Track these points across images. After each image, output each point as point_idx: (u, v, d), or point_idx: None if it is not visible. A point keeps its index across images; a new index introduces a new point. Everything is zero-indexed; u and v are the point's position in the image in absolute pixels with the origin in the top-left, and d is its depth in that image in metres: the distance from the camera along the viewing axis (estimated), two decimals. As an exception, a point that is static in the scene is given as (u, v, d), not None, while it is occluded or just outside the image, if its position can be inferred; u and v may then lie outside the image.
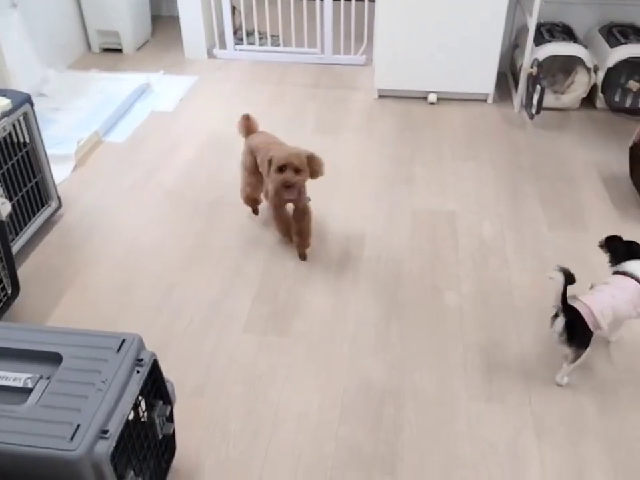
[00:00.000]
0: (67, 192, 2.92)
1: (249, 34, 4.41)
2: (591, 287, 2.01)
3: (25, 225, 2.55)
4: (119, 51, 4.44)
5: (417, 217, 2.79)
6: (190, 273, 2.49)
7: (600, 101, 3.64)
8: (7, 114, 2.37)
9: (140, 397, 1.48)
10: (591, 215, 2.79)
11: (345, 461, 1.79)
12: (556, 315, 1.94)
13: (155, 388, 1.56)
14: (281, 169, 2.31)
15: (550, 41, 3.56)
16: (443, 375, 2.05)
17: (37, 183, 2.61)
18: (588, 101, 3.67)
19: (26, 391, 1.42)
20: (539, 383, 2.02)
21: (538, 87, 3.31)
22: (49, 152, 2.67)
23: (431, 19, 3.50)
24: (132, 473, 1.43)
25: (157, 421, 1.55)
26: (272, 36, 4.36)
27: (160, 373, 1.57)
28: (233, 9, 4.28)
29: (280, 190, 2.35)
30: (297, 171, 2.31)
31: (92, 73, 4.09)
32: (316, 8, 4.11)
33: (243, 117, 2.65)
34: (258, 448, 1.83)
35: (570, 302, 1.90)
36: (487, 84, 3.69)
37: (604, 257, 2.09)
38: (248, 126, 2.65)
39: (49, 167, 2.67)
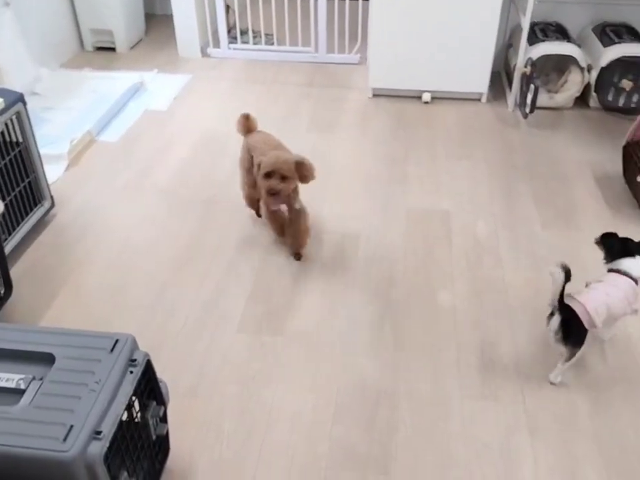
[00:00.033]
0: (60, 191, 2.91)
1: (243, 33, 4.40)
2: (587, 285, 2.02)
3: (18, 224, 2.54)
4: (112, 49, 4.43)
5: (411, 216, 2.79)
6: (184, 273, 2.48)
7: (593, 100, 3.65)
8: (0, 113, 2.36)
9: (133, 398, 1.48)
10: (584, 213, 2.79)
11: (339, 461, 1.79)
12: (551, 314, 1.95)
13: (149, 388, 1.55)
14: (268, 175, 2.28)
15: (543, 41, 3.57)
16: (436, 374, 2.06)
17: (29, 182, 2.60)
18: (581, 100, 3.68)
19: (19, 392, 1.41)
20: (533, 382, 2.02)
21: (532, 86, 3.31)
22: (41, 151, 2.66)
23: (425, 18, 3.51)
24: (125, 473, 1.43)
25: (151, 422, 1.55)
26: (266, 35, 4.35)
27: (153, 374, 1.56)
28: (227, 7, 4.27)
29: (266, 197, 2.33)
30: (284, 178, 2.28)
31: (85, 72, 4.07)
32: (310, 7, 4.11)
33: (243, 115, 2.64)
34: (252, 448, 1.83)
35: (565, 300, 1.90)
36: (481, 83, 3.70)
37: (597, 256, 2.10)
38: (247, 125, 2.63)
39: (42, 166, 2.66)
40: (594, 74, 3.53)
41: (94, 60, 4.30)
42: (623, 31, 3.64)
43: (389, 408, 1.95)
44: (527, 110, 3.39)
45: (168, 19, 4.45)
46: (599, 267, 2.08)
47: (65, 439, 1.29)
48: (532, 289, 2.38)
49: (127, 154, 3.27)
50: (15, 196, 2.50)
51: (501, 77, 4.03)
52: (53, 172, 3.00)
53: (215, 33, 4.33)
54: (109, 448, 1.34)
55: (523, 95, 3.45)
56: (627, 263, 2.00)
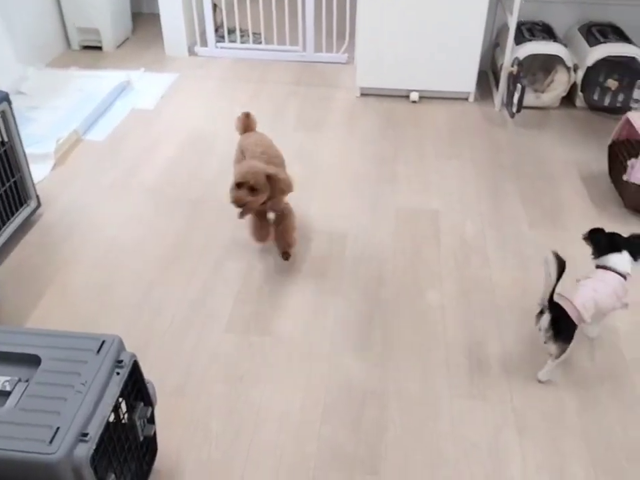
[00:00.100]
0: (46, 191, 2.88)
1: (231, 31, 4.39)
2: (577, 282, 2.03)
3: (4, 224, 2.52)
4: (99, 48, 4.40)
5: (399, 215, 2.79)
6: (171, 272, 2.47)
7: (579, 100, 3.67)
8: (-16, 112, 2.34)
9: (120, 399, 1.47)
10: (570, 213, 2.81)
11: (328, 461, 1.79)
12: (540, 313, 1.96)
13: (136, 389, 1.54)
14: (238, 185, 2.22)
15: (530, 40, 3.58)
16: (425, 373, 2.06)
17: (15, 182, 2.57)
18: (568, 99, 3.70)
19: (4, 394, 1.40)
20: (521, 381, 2.03)
21: (518, 85, 3.33)
22: (27, 151, 2.63)
23: (412, 18, 3.51)
24: (113, 475, 1.42)
25: (138, 423, 1.54)
26: (254, 33, 4.34)
27: (140, 375, 1.55)
28: (214, 6, 4.26)
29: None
30: (253, 190, 2.20)
31: (71, 71, 4.04)
32: (298, 6, 4.10)
33: (243, 113, 2.62)
34: (240, 448, 1.82)
35: (554, 299, 1.92)
36: (468, 83, 3.71)
37: (585, 254, 2.10)
38: (246, 124, 2.62)
39: (28, 166, 2.63)
40: (580, 73, 3.55)
41: (80, 59, 4.26)
42: (609, 30, 3.67)
43: (377, 408, 1.95)
44: (514, 109, 3.41)
45: (155, 17, 4.43)
46: (586, 265, 2.09)
47: (51, 442, 1.28)
48: (519, 289, 2.39)
49: (114, 153, 3.25)
50: (0, 196, 2.48)
51: (488, 76, 4.04)
52: (39, 171, 2.98)
53: (203, 31, 4.32)
54: (96, 450, 1.33)
55: (510, 95, 3.46)
56: (613, 259, 2.02)
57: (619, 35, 3.62)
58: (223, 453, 1.81)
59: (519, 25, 3.65)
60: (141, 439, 1.58)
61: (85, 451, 1.29)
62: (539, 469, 1.78)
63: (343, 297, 2.36)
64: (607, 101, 3.53)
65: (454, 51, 3.58)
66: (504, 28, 3.76)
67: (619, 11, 3.79)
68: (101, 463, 1.37)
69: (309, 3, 4.03)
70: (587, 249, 2.10)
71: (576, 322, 1.91)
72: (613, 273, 2.00)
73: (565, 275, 1.89)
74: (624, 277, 2.00)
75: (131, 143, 3.35)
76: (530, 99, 3.58)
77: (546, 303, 1.91)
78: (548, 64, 3.67)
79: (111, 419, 1.43)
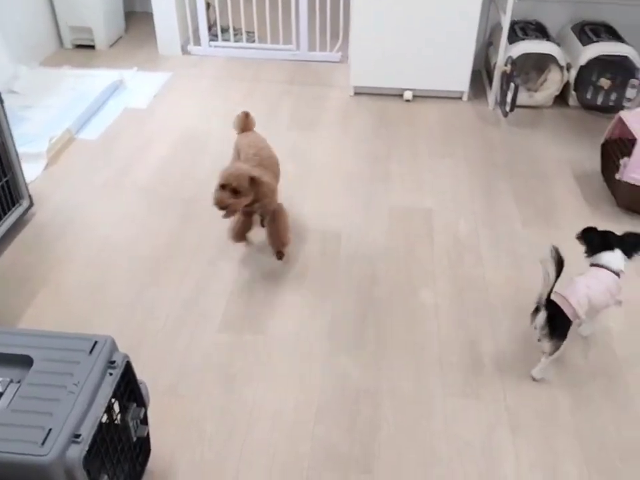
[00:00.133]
0: (39, 190, 2.87)
1: (224, 30, 4.38)
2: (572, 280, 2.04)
3: (-5, 224, 2.51)
4: (92, 47, 4.38)
5: (393, 214, 2.79)
6: (164, 271, 2.46)
7: (572, 99, 3.68)
8: (-24, 111, 2.33)
9: (113, 400, 1.47)
10: (563, 211, 2.82)
11: (321, 461, 1.79)
12: (535, 310, 1.97)
13: (129, 390, 1.54)
14: (223, 187, 2.20)
15: (523, 39, 3.59)
16: (418, 372, 2.06)
17: (7, 181, 2.56)
18: (561, 98, 3.71)
19: (-4, 395, 1.39)
20: (514, 379, 2.04)
21: (512, 84, 3.33)
22: (20, 150, 2.62)
23: (406, 17, 3.51)
24: (105, 477, 1.41)
25: (131, 424, 1.54)
26: (247, 32, 4.33)
27: (133, 375, 1.55)
28: (208, 5, 4.25)
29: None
30: (236, 192, 2.18)
31: (64, 70, 4.03)
32: (291, 4, 4.09)
33: (243, 113, 2.62)
34: (233, 448, 1.82)
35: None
36: (461, 82, 3.71)
37: (578, 253, 2.11)
38: (245, 123, 2.61)
39: (20, 165, 2.62)
40: (573, 72, 3.55)
41: (73, 58, 4.25)
42: (602, 29, 3.68)
43: (371, 406, 1.95)
44: (507, 108, 3.41)
45: (148, 16, 4.42)
46: (580, 264, 2.09)
47: (43, 443, 1.28)
48: (512, 287, 2.39)
49: (107, 152, 3.24)
50: (-8, 195, 2.47)
51: (481, 75, 4.05)
52: (31, 171, 2.97)
53: (196, 30, 4.31)
54: (89, 451, 1.32)
55: (503, 94, 3.47)
56: (606, 257, 2.03)
57: (612, 34, 3.63)
58: (217, 453, 1.80)
59: (512, 24, 3.65)
60: (134, 439, 1.58)
61: (77, 452, 1.29)
62: (532, 467, 1.78)
63: (336, 296, 2.36)
64: (599, 100, 3.54)
65: (448, 50, 3.59)
66: (497, 27, 3.77)
67: (611, 10, 3.80)
68: (94, 464, 1.37)
69: (303, 2, 4.03)
70: (581, 248, 2.10)
71: (571, 319, 1.92)
72: (606, 270, 2.01)
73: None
74: (617, 274, 2.01)
75: (124, 142, 3.33)
76: (523, 97, 3.58)
77: (543, 301, 1.92)
78: (541, 63, 3.68)
79: (104, 419, 1.42)
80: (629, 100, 3.48)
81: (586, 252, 2.09)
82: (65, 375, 1.41)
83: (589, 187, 2.99)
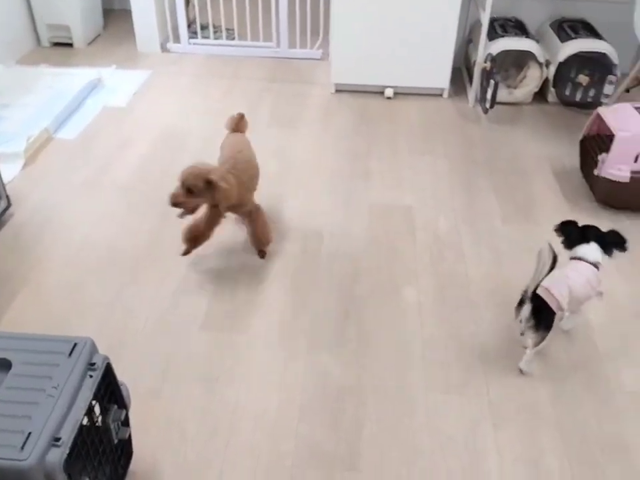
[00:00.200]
0: (17, 190, 2.83)
1: (204, 27, 4.35)
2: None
3: (-28, 225, 2.47)
4: (70, 45, 4.33)
5: (373, 211, 2.80)
6: (144, 270, 2.45)
7: (551, 95, 3.71)
8: (-50, 111, 2.29)
9: (93, 402, 1.45)
10: (543, 207, 2.84)
11: (305, 459, 1.79)
12: (520, 304, 2.00)
13: (109, 392, 1.52)
14: (181, 185, 2.19)
15: (503, 36, 3.61)
16: (401, 369, 2.07)
17: (-17, 182, 2.53)
18: (540, 95, 3.74)
19: (-26, 400, 1.37)
20: (496, 374, 2.05)
21: (491, 81, 3.35)
22: (-4, 150, 2.59)
23: (386, 14, 3.51)
24: (87, 479, 1.40)
25: (112, 426, 1.52)
26: (227, 29, 4.31)
27: (114, 377, 1.53)
28: (187, 2, 4.22)
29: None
30: (190, 192, 2.17)
31: (41, 68, 3.98)
32: (271, 1, 4.08)
33: (238, 114, 2.60)
34: (216, 449, 1.81)
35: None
36: (442, 79, 3.73)
37: (557, 248, 2.12)
38: (237, 124, 2.59)
39: (-4, 165, 2.59)
40: (552, 69, 3.58)
41: (50, 56, 4.20)
42: (579, 26, 3.71)
43: (354, 404, 1.95)
44: (487, 105, 3.43)
45: (126, 13, 4.37)
46: (560, 258, 2.11)
47: (22, 447, 1.26)
48: (493, 283, 2.41)
49: (85, 151, 3.21)
50: (-32, 196, 2.43)
51: (462, 72, 4.07)
52: (8, 171, 2.93)
53: (175, 27, 4.27)
54: (69, 454, 1.31)
55: (483, 91, 3.49)
56: (582, 250, 2.07)
57: (590, 30, 3.67)
58: (200, 454, 1.80)
59: (492, 21, 3.67)
60: (116, 441, 1.56)
61: (57, 456, 1.27)
62: (514, 461, 1.80)
63: (318, 294, 2.35)
64: (578, 96, 3.57)
65: (428, 47, 3.60)
66: (477, 24, 3.78)
67: (589, 6, 3.83)
68: (75, 467, 1.35)
69: (282, -1, 4.02)
70: (559, 240, 2.12)
71: (554, 309, 1.95)
72: (584, 262, 2.04)
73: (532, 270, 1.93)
74: (596, 266, 2.04)
75: (103, 141, 3.30)
76: (503, 94, 3.61)
77: (529, 294, 1.95)
78: (520, 60, 3.70)
79: (84, 422, 1.41)
80: (607, 96, 3.52)
81: (563, 244, 2.12)
82: (44, 378, 1.39)
83: (567, 182, 3.02)
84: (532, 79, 3.63)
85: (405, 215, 2.78)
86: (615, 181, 2.72)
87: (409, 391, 2.00)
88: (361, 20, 3.54)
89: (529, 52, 3.57)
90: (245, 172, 2.37)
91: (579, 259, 2.06)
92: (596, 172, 2.78)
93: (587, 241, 2.08)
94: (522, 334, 2.06)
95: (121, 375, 1.59)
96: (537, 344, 2.00)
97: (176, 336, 2.17)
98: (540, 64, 3.58)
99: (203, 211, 2.40)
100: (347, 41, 3.63)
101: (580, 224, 2.14)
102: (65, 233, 2.64)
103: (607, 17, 3.77)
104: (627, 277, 2.44)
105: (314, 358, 2.10)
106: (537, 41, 3.63)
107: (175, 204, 2.20)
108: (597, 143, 2.88)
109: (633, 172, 2.69)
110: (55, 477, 1.27)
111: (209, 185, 2.17)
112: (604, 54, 3.46)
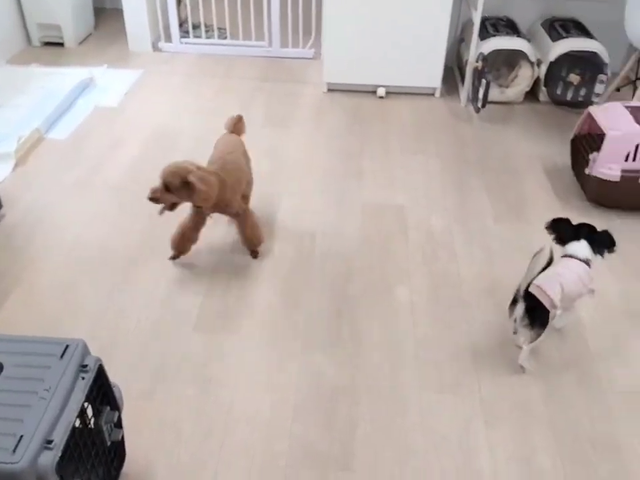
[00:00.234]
0: (8, 192, 2.82)
1: (195, 27, 4.34)
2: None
3: (-37, 226, 2.46)
4: (61, 44, 4.31)
5: (366, 210, 2.80)
6: (137, 271, 2.44)
7: (543, 94, 3.72)
8: (-60, 111, 2.27)
9: (86, 404, 1.45)
10: (534, 206, 2.85)
11: (300, 459, 1.79)
12: (513, 303, 2.01)
13: (102, 394, 1.52)
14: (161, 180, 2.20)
15: (494, 35, 3.62)
16: (394, 368, 2.07)
17: (-26, 182, 2.51)
18: (531, 94, 3.75)
19: (-35, 403, 1.36)
20: (488, 374, 2.06)
21: (483, 81, 3.36)
22: (-14, 150, 2.58)
23: (378, 13, 3.51)
24: (79, 482, 1.40)
25: (105, 428, 1.52)
26: (219, 29, 4.30)
27: (106, 379, 1.53)
28: (179, 1, 4.21)
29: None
30: (167, 189, 2.18)
31: (32, 68, 3.96)
32: (263, 0, 4.07)
33: (237, 115, 2.59)
34: (210, 450, 1.81)
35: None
36: (434, 78, 3.73)
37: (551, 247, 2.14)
38: (235, 126, 2.57)
39: (-13, 166, 2.58)
40: (543, 68, 3.60)
41: (41, 55, 4.18)
42: (571, 25, 3.73)
43: (347, 404, 1.95)
44: (479, 104, 3.44)
45: (118, 12, 4.36)
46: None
47: (14, 450, 1.25)
48: (486, 282, 2.42)
49: (77, 151, 3.20)
50: (-41, 197, 2.42)
51: (454, 72, 4.07)
52: (-1, 172, 2.92)
53: (167, 27, 4.26)
54: (62, 457, 1.30)
55: (475, 90, 3.49)
56: (573, 247, 2.09)
57: (581, 30, 3.68)
58: (194, 455, 1.79)
59: (483, 20, 3.68)
60: (108, 443, 1.56)
61: (49, 458, 1.27)
62: (507, 460, 1.80)
63: (311, 294, 2.35)
64: (569, 96, 3.59)
65: (420, 47, 3.60)
66: (469, 23, 3.79)
67: (580, 6, 3.85)
68: (67, 469, 1.35)
69: (274, -2, 4.01)
70: (551, 241, 2.13)
71: (548, 307, 1.96)
72: (575, 260, 2.06)
73: (524, 268, 1.94)
74: (587, 264, 2.05)
75: (95, 140, 3.29)
76: (494, 94, 3.62)
77: (522, 293, 1.97)
78: (512, 59, 3.71)
79: (77, 424, 1.41)
80: (598, 95, 3.54)
81: (555, 241, 2.14)
82: (35, 380, 1.38)
83: (559, 181, 3.03)
84: (523, 78, 3.64)
85: (397, 214, 2.78)
86: (605, 180, 2.73)
87: (402, 391, 2.00)
88: (353, 19, 3.55)
89: (521, 51, 3.58)
90: (230, 174, 2.35)
91: (570, 256, 2.07)
92: (587, 171, 2.79)
93: (578, 238, 2.10)
94: (515, 332, 2.07)
95: (113, 377, 1.59)
96: (532, 341, 2.02)
97: (168, 337, 2.17)
98: (531, 63, 3.59)
99: (188, 212, 2.41)
100: (339, 40, 3.63)
101: (574, 222, 2.15)
102: (57, 233, 2.63)
103: (597, 16, 3.79)
104: (618, 275, 2.45)
105: (307, 358, 2.10)
106: (529, 40, 3.64)
107: (152, 199, 2.20)
108: (588, 142, 2.89)
109: (623, 171, 2.70)
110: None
111: (186, 184, 2.17)
112: (595, 53, 3.48)
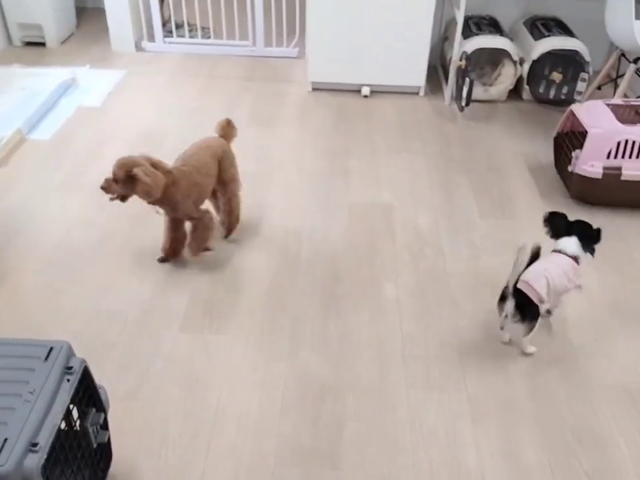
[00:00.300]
0: (-11, 193, 2.80)
1: (179, 26, 4.32)
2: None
3: (-56, 229, 2.43)
4: (42, 44, 4.27)
5: (353, 210, 2.80)
6: (122, 272, 2.42)
7: (526, 93, 3.75)
8: None
9: (71, 406, 1.44)
10: (518, 203, 2.87)
11: (288, 458, 1.79)
12: (502, 299, 2.03)
13: (87, 395, 1.51)
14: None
15: (477, 34, 3.64)
16: (382, 365, 2.08)
17: (-45, 184, 2.48)
18: (515, 92, 3.77)
19: (-52, 407, 1.35)
20: (474, 370, 2.07)
21: (467, 79, 3.38)
22: (-33, 152, 2.55)
23: (362, 12, 3.52)
24: (65, 484, 1.39)
25: (91, 430, 1.51)
26: (202, 28, 4.28)
27: (91, 380, 1.52)
28: (161, 0, 4.18)
29: None
30: (116, 180, 2.21)
31: (14, 68, 3.92)
32: None
33: (225, 119, 2.54)
34: (198, 451, 1.80)
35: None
36: (418, 77, 3.74)
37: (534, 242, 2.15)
38: (222, 129, 2.53)
39: (-32, 167, 2.55)
40: (526, 67, 3.62)
41: (23, 55, 4.13)
42: (552, 24, 3.76)
43: (335, 402, 1.95)
44: (463, 103, 3.46)
45: (100, 12, 4.33)
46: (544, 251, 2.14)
47: (-1, 453, 1.24)
48: (472, 279, 2.43)
49: (60, 152, 3.17)
50: (-60, 199, 2.39)
51: (437, 70, 4.09)
52: (-20, 173, 2.89)
53: (150, 26, 4.24)
54: (47, 459, 1.29)
55: (459, 89, 3.51)
56: (563, 243, 2.12)
57: (563, 28, 3.71)
58: (181, 457, 1.78)
59: (467, 19, 3.70)
60: (95, 445, 1.55)
61: (35, 461, 1.26)
62: (493, 456, 1.81)
63: (298, 294, 2.35)
64: (552, 94, 3.62)
65: (404, 46, 3.61)
66: (452, 22, 3.81)
67: (562, 5, 3.88)
68: (53, 472, 1.34)
69: (258, -3, 4.00)
70: (536, 237, 2.15)
71: (536, 301, 1.99)
72: (563, 255, 2.09)
73: (510, 263, 1.98)
74: (575, 259, 2.07)
75: (78, 141, 3.26)
76: (478, 92, 3.64)
77: (510, 289, 1.99)
78: (495, 58, 3.73)
79: (62, 426, 1.39)
80: (580, 93, 3.57)
81: (548, 235, 2.17)
82: (19, 383, 1.37)
83: (542, 178, 3.05)
84: (506, 76, 3.66)
85: (384, 212, 2.79)
86: (588, 177, 2.76)
87: (390, 388, 2.00)
88: (336, 18, 3.55)
89: (504, 50, 3.60)
90: (186, 175, 2.31)
91: (559, 251, 2.11)
92: (570, 168, 2.81)
93: (570, 234, 2.13)
94: (502, 328, 2.09)
95: (99, 378, 1.58)
96: (527, 333, 2.06)
97: (155, 338, 2.15)
98: (514, 62, 3.61)
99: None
100: (323, 40, 3.63)
101: (568, 217, 2.19)
102: (41, 234, 2.60)
103: (579, 15, 3.83)
104: (601, 271, 2.48)
105: (295, 357, 2.10)
106: (511, 39, 3.66)
107: (102, 188, 2.24)
108: (570, 139, 2.92)
109: (605, 168, 2.72)
110: (33, 483, 1.25)
111: (131, 177, 2.20)
112: (576, 51, 3.51)
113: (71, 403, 1.42)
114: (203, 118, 3.45)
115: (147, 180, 2.18)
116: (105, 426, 1.60)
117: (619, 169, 2.72)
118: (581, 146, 2.76)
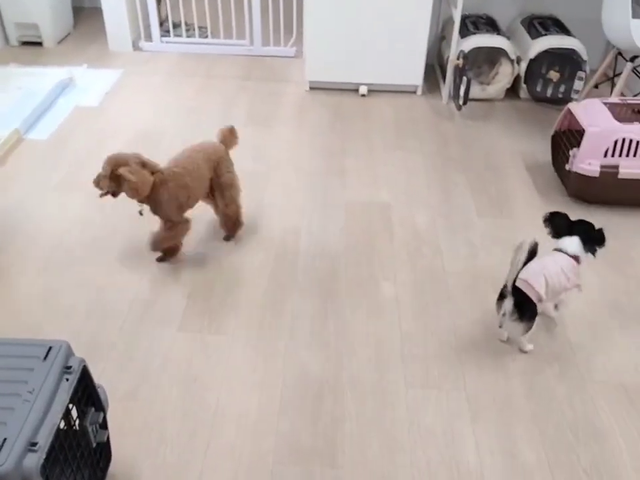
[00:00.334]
0: (-13, 193, 2.79)
1: (176, 26, 4.32)
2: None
3: (-58, 229, 2.42)
4: (39, 44, 4.27)
5: (350, 208, 2.80)
6: (120, 272, 2.42)
7: (523, 91, 3.76)
8: None
9: (70, 405, 1.44)
10: (516, 201, 2.88)
11: (286, 456, 1.79)
12: (500, 298, 2.04)
13: (86, 395, 1.51)
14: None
15: (475, 33, 3.64)
16: (380, 364, 2.08)
17: (-48, 184, 2.48)
18: (512, 91, 3.78)
19: (-53, 407, 1.35)
20: (473, 368, 2.07)
21: (464, 78, 3.38)
22: (-36, 152, 2.54)
23: (359, 12, 3.52)
24: (65, 484, 1.39)
25: (90, 429, 1.51)
26: (200, 27, 4.28)
27: (90, 380, 1.52)
28: (158, -1, 4.19)
29: None
30: (104, 176, 2.26)
31: (10, 68, 3.91)
32: (243, -1, 4.07)
33: (228, 127, 2.52)
34: (196, 450, 1.80)
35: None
36: (415, 76, 3.75)
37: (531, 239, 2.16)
38: (223, 135, 2.50)
39: (-34, 167, 2.54)
40: (523, 65, 3.63)
41: (20, 55, 4.13)
42: (549, 23, 3.76)
43: (333, 400, 1.96)
44: (460, 102, 3.46)
45: (97, 11, 4.33)
46: (544, 250, 2.14)
47: (-2, 453, 1.24)
48: (470, 277, 2.43)
49: (58, 152, 3.17)
50: (-63, 199, 2.39)
51: (435, 69, 4.09)
52: (-22, 173, 2.89)
53: (147, 25, 4.24)
54: (47, 459, 1.29)
55: (456, 87, 3.52)
56: (564, 242, 2.13)
57: (560, 27, 3.72)
58: (179, 457, 1.78)
59: (464, 18, 3.70)
60: (94, 445, 1.55)
61: (34, 461, 1.26)
62: (492, 454, 1.82)
63: (297, 292, 2.35)
64: (549, 92, 3.62)
65: (401, 45, 3.61)
66: (449, 21, 3.81)
67: (559, 4, 3.89)
68: (53, 471, 1.34)
69: (255, -3, 4.00)
70: (534, 235, 2.15)
71: (535, 300, 1.99)
72: (562, 254, 2.10)
73: (508, 262, 1.98)
74: (576, 259, 2.08)
75: (76, 141, 3.26)
76: (476, 91, 3.64)
77: (509, 288, 1.99)
78: (492, 56, 3.74)
79: (62, 426, 1.39)
80: (577, 92, 3.58)
81: (550, 234, 2.18)
82: (18, 382, 1.37)
83: (540, 177, 3.06)
84: (504, 75, 3.67)
85: (381, 211, 2.79)
86: (585, 175, 2.76)
87: (388, 386, 2.01)
88: (334, 17, 3.55)
89: (501, 49, 3.61)
90: (177, 177, 2.31)
91: (560, 250, 2.12)
92: (567, 166, 2.82)
93: (571, 234, 2.14)
94: (500, 326, 2.09)
95: (98, 378, 1.58)
96: (525, 332, 2.06)
97: (153, 337, 2.16)
98: (511, 60, 3.62)
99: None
100: (320, 39, 3.63)
101: (570, 216, 2.19)
102: (38, 234, 2.60)
103: (576, 13, 3.83)
104: (598, 269, 2.48)
105: (293, 356, 2.10)
106: (508, 38, 3.67)
107: (94, 182, 2.28)
108: (568, 138, 2.92)
109: (602, 166, 2.73)
110: (33, 482, 1.25)
111: (114, 174, 2.23)
112: (573, 50, 3.52)
113: (70, 402, 1.42)
114: (200, 117, 3.45)
115: (132, 178, 2.21)
116: (104, 425, 1.60)
117: (616, 167, 2.73)
118: (578, 144, 2.77)
